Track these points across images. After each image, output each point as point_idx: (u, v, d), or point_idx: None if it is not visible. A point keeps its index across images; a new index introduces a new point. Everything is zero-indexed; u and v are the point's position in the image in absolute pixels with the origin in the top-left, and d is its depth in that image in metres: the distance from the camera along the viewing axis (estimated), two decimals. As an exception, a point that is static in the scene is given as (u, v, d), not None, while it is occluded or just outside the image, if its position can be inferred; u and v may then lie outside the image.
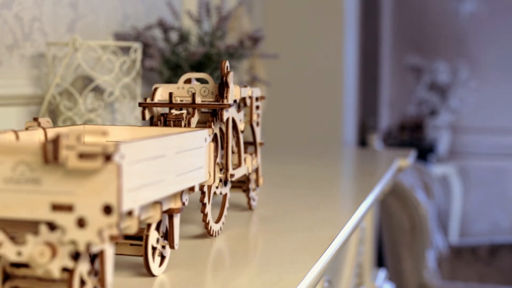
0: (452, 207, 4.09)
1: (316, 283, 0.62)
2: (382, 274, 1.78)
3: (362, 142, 3.73)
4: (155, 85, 0.78)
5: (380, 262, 2.62)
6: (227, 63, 0.77)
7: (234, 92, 0.80)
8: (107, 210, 0.44)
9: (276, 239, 0.76)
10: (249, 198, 0.91)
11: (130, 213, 0.48)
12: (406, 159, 1.54)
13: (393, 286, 2.07)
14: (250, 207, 0.92)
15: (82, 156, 0.44)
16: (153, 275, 0.60)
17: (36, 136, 0.57)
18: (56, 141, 0.44)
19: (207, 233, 0.76)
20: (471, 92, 4.44)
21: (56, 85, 1.16)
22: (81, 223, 0.45)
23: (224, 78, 0.76)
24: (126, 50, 1.26)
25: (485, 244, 2.95)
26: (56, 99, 1.14)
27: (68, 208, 0.45)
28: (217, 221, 0.78)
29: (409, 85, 4.57)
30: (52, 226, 0.46)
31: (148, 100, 0.76)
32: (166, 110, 0.78)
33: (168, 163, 0.54)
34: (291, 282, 0.58)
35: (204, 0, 1.45)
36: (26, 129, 0.56)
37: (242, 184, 0.91)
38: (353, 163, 1.69)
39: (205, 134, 0.63)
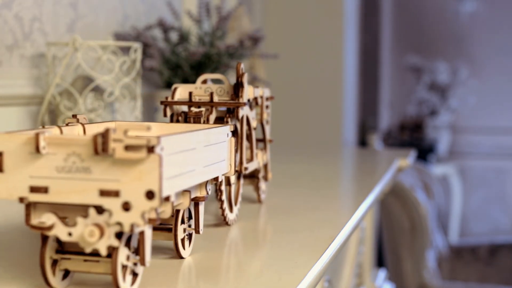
0: (452, 207, 4.09)
1: (316, 283, 0.62)
2: (382, 274, 1.78)
3: (362, 142, 3.73)
4: (175, 85, 0.83)
5: (380, 262, 2.62)
6: (242, 65, 0.82)
7: (248, 92, 0.85)
8: (150, 195, 0.50)
9: (276, 238, 0.76)
10: (258, 192, 0.96)
11: (166, 199, 0.53)
12: (406, 159, 1.54)
13: (393, 286, 2.07)
14: (259, 200, 0.97)
15: (128, 148, 0.50)
16: (181, 257, 0.66)
17: (76, 131, 0.63)
18: (105, 135, 0.50)
19: (224, 222, 0.81)
20: (471, 92, 4.44)
21: (56, 85, 1.16)
22: (126, 207, 0.50)
23: (240, 79, 0.82)
24: (126, 50, 1.26)
25: (485, 244, 2.95)
26: (56, 99, 1.14)
27: (115, 193, 0.50)
28: (231, 210, 0.83)
29: (409, 85, 4.57)
30: (99, 210, 0.51)
31: (169, 99, 0.82)
32: (182, 107, 0.84)
33: (197, 155, 0.60)
34: (291, 282, 0.58)
35: (204, 0, 1.45)
36: (67, 124, 0.62)
37: (252, 179, 0.96)
38: (353, 163, 1.69)
39: (227, 130, 0.69)
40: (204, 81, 0.86)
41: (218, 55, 1.38)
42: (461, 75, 4.41)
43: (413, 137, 4.31)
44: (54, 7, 1.24)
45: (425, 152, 3.87)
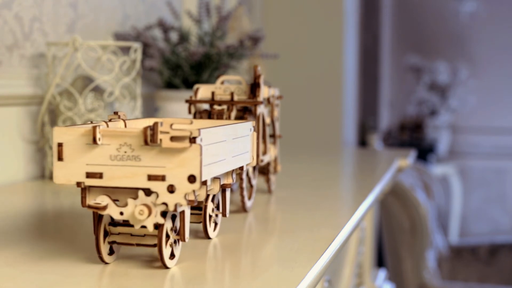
0: (452, 207, 4.09)
1: (316, 283, 0.62)
2: (382, 274, 1.78)
3: (362, 142, 3.73)
4: (196, 85, 0.91)
5: (380, 262, 2.62)
6: (259, 67, 0.91)
7: (264, 92, 0.94)
8: (192, 179, 0.58)
9: (276, 238, 0.76)
10: (269, 183, 1.04)
11: (203, 183, 0.60)
12: (406, 159, 1.54)
13: (393, 286, 2.07)
14: (269, 190, 1.04)
15: (173, 138, 0.57)
16: (209, 238, 0.74)
17: (118, 126, 0.69)
18: (154, 127, 0.57)
19: (242, 209, 0.89)
20: (471, 92, 4.44)
21: (56, 85, 1.16)
22: (171, 189, 0.58)
23: (257, 80, 0.90)
24: (126, 50, 1.26)
25: (485, 244, 2.95)
26: (56, 99, 1.14)
27: (161, 178, 0.58)
28: (249, 198, 0.91)
29: (409, 85, 4.57)
30: (147, 192, 0.59)
31: (192, 98, 0.91)
32: (203, 106, 0.93)
33: (227, 147, 0.68)
34: (291, 282, 0.58)
35: (204, 0, 1.45)
36: (110, 120, 0.68)
37: (263, 171, 1.04)
38: (353, 163, 1.69)
39: (250, 125, 0.77)
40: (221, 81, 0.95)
41: (218, 55, 1.38)
42: (461, 75, 4.41)
43: (413, 137, 4.31)
44: (54, 7, 1.24)
45: (425, 152, 3.87)
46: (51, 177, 1.16)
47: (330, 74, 2.79)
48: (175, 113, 1.34)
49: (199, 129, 0.58)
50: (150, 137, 0.57)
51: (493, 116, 4.46)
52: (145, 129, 0.58)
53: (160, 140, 0.57)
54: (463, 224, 4.34)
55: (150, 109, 1.50)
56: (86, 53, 1.18)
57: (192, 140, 0.57)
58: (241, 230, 0.80)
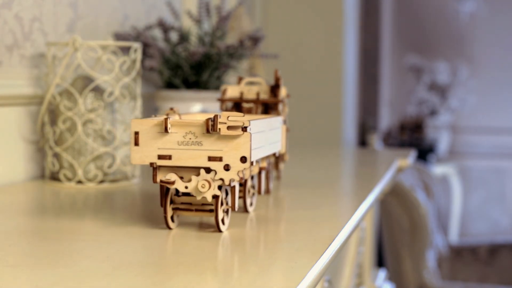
0: (452, 207, 4.09)
1: (316, 283, 0.62)
2: (382, 274, 1.78)
3: (362, 142, 3.72)
4: (224, 86, 1.06)
5: (380, 262, 2.62)
6: (279, 72, 1.05)
7: (282, 92, 1.08)
8: (243, 160, 0.73)
9: (276, 239, 0.76)
10: (278, 171, 1.17)
11: (251, 164, 0.74)
12: (406, 159, 1.54)
13: (393, 286, 2.07)
14: (278, 177, 1.17)
15: (229, 127, 0.72)
16: (247, 212, 0.88)
17: (175, 118, 0.80)
18: (214, 119, 0.72)
19: (266, 191, 1.02)
20: (471, 92, 4.44)
21: (56, 85, 1.16)
22: (226, 168, 0.73)
23: (277, 82, 1.05)
24: (126, 50, 1.26)
25: (485, 244, 2.95)
26: (56, 99, 1.14)
27: (219, 159, 0.73)
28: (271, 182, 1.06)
29: (409, 85, 4.57)
30: (207, 170, 0.74)
31: (223, 97, 1.05)
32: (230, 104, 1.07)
33: (266, 136, 0.82)
34: (291, 282, 0.58)
35: (204, 0, 1.44)
36: (167, 114, 0.80)
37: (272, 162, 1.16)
38: (353, 163, 1.69)
39: (281, 119, 0.92)
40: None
41: (218, 55, 1.38)
42: (461, 75, 4.41)
43: (413, 137, 4.31)
44: (54, 7, 1.24)
45: (425, 152, 3.86)
46: (51, 177, 1.16)
47: (330, 74, 2.79)
48: (175, 113, 1.34)
49: (249, 121, 0.72)
50: (211, 127, 0.72)
51: (493, 116, 4.46)
52: (207, 120, 0.72)
53: (219, 129, 0.72)
54: (463, 224, 4.34)
55: (150, 109, 1.50)
56: (86, 53, 1.18)
57: (244, 129, 0.72)
58: (266, 208, 0.94)
